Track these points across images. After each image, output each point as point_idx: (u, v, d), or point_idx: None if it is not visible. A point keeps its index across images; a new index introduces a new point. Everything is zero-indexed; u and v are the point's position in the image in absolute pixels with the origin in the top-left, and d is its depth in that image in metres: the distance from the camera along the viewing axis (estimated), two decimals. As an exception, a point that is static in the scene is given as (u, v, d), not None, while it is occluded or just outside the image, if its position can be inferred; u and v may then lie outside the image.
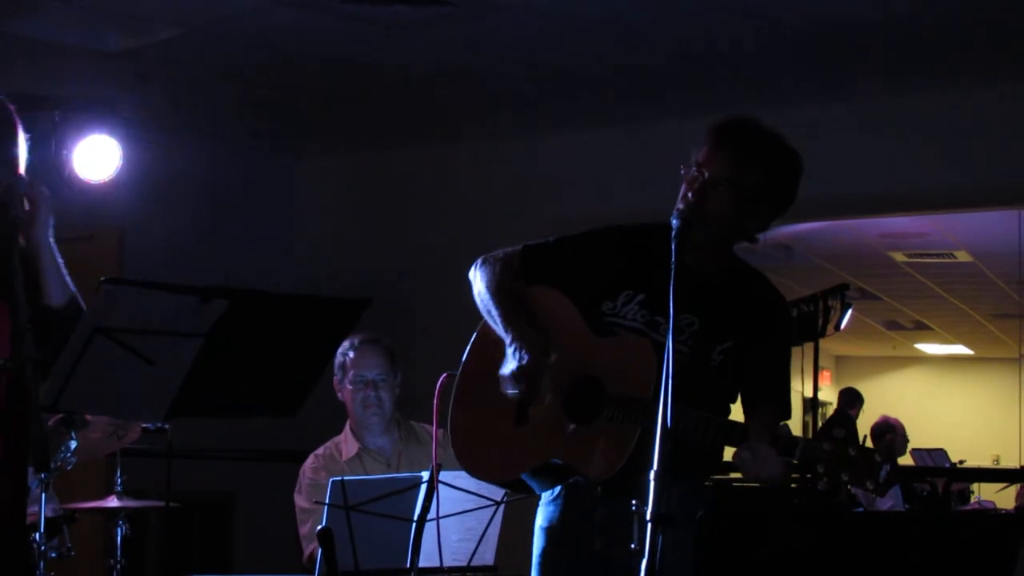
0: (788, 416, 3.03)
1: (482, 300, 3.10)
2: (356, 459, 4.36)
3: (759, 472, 2.66)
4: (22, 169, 2.92)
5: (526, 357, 2.91)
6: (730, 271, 3.05)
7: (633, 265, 2.98)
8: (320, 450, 4.43)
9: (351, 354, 4.38)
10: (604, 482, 2.84)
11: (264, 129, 7.48)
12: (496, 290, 3.07)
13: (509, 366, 2.94)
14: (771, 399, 2.97)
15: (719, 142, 2.94)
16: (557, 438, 2.92)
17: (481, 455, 3.06)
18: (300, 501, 4.29)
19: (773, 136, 2.99)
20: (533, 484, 3.05)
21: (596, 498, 2.91)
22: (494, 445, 3.04)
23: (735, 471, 2.95)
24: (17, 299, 2.56)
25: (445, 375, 3.17)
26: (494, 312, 3.05)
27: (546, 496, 3.10)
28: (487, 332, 3.09)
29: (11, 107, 2.94)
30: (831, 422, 10.97)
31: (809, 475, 2.59)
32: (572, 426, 2.91)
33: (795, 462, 2.61)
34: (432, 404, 3.17)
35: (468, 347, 3.16)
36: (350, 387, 4.38)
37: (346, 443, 4.40)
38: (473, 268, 3.16)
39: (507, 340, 2.98)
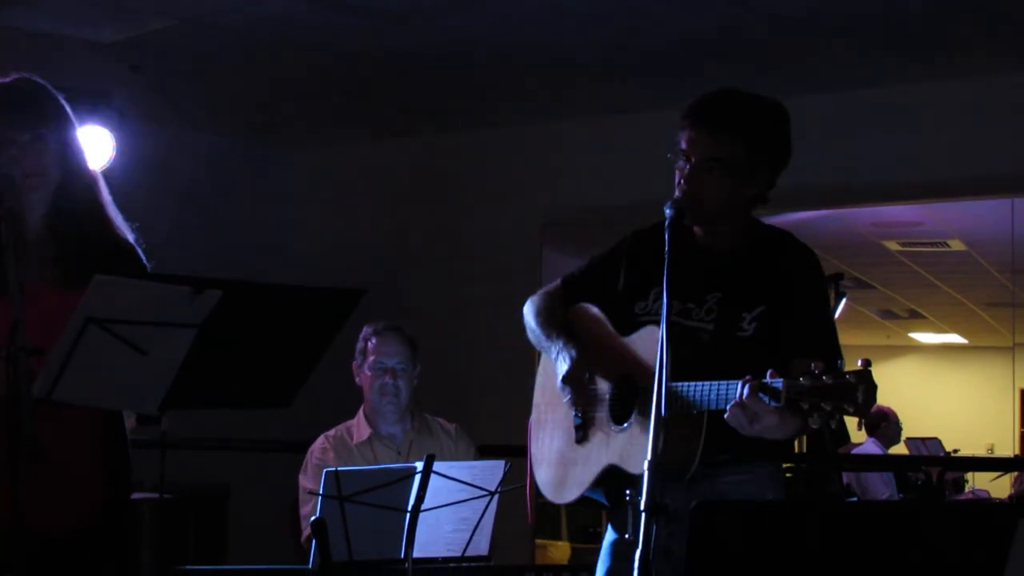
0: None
1: (530, 329, 3.19)
2: (367, 444, 4.35)
3: (752, 425, 2.64)
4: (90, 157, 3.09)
5: (567, 363, 2.97)
6: (751, 239, 3.02)
7: (656, 262, 2.95)
8: (331, 432, 4.42)
9: (372, 340, 4.38)
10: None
11: (259, 120, 7.46)
12: (539, 316, 3.17)
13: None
14: (815, 353, 2.77)
15: (694, 124, 2.92)
16: (609, 444, 2.97)
17: (555, 480, 3.13)
18: (304, 481, 4.27)
19: (746, 100, 2.94)
20: (598, 496, 3.07)
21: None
22: (564, 468, 3.10)
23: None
24: (12, 288, 2.56)
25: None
26: (539, 334, 3.14)
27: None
28: (546, 365, 3.17)
29: (57, 94, 2.98)
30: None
31: (797, 415, 2.57)
32: (616, 427, 2.94)
33: (781, 404, 2.58)
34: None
35: (534, 385, 3.25)
36: (368, 373, 4.38)
37: (358, 427, 4.40)
38: (524, 307, 3.24)
39: (552, 354, 3.06)
